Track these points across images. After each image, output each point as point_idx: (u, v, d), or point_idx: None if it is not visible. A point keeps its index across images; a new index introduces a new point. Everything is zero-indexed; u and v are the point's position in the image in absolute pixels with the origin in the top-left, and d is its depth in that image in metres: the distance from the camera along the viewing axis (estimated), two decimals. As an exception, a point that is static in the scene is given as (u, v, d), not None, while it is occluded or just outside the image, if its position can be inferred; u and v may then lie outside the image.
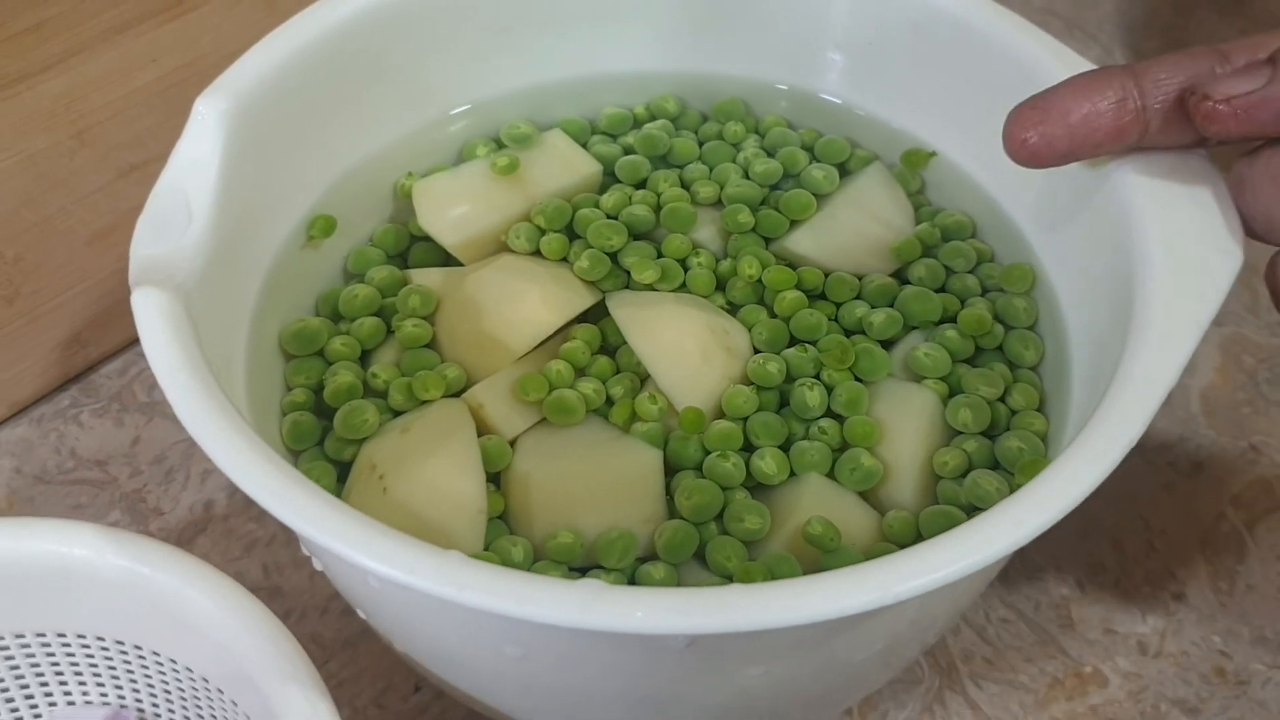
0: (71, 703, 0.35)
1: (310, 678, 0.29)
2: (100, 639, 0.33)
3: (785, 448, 0.33)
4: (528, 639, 0.27)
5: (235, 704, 0.32)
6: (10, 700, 0.34)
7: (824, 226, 0.38)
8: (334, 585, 0.33)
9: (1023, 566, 0.41)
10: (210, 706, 0.33)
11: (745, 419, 0.34)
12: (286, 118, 0.36)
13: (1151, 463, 0.44)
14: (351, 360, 0.36)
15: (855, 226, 0.38)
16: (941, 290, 0.37)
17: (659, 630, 0.23)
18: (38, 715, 0.35)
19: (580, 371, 0.35)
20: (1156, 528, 0.42)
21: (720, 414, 0.34)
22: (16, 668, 0.34)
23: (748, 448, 0.34)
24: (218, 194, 0.33)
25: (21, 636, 0.33)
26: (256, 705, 0.30)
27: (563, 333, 0.36)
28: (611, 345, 0.36)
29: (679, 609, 0.23)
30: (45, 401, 0.46)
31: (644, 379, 0.35)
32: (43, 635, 0.33)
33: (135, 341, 0.47)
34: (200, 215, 0.32)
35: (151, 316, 0.29)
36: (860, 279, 0.37)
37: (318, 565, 0.32)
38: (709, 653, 0.26)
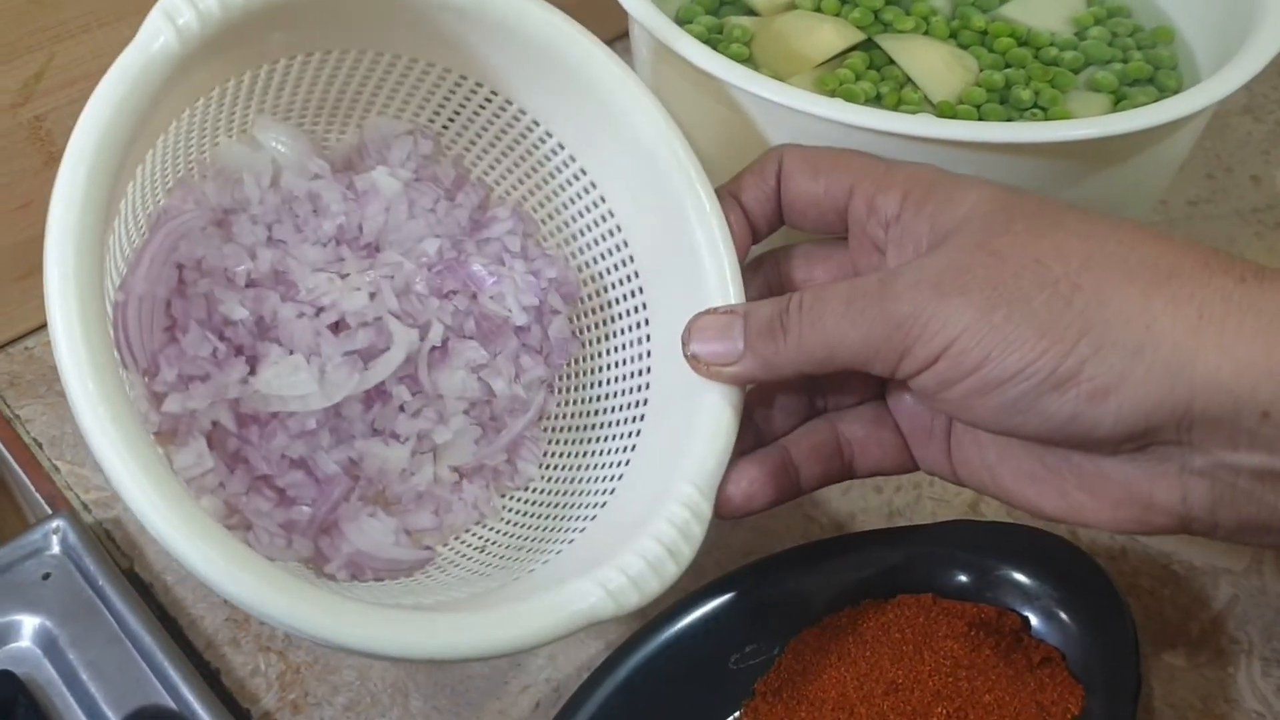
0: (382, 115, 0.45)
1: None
2: (433, 64, 0.43)
3: (1007, 121, 0.49)
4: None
5: (550, 134, 0.44)
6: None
7: (1026, 2, 0.54)
8: None
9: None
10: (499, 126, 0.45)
11: (978, 106, 0.49)
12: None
13: (1245, 222, 0.59)
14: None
15: (1046, 5, 0.54)
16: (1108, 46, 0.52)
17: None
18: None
19: (856, 79, 0.51)
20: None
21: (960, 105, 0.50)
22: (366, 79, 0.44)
23: (979, 124, 0.49)
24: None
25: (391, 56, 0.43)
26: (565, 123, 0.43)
27: (839, 59, 0.52)
28: (876, 66, 0.52)
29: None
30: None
31: (902, 85, 0.51)
32: (399, 56, 0.43)
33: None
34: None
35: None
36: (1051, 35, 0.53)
37: None
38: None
